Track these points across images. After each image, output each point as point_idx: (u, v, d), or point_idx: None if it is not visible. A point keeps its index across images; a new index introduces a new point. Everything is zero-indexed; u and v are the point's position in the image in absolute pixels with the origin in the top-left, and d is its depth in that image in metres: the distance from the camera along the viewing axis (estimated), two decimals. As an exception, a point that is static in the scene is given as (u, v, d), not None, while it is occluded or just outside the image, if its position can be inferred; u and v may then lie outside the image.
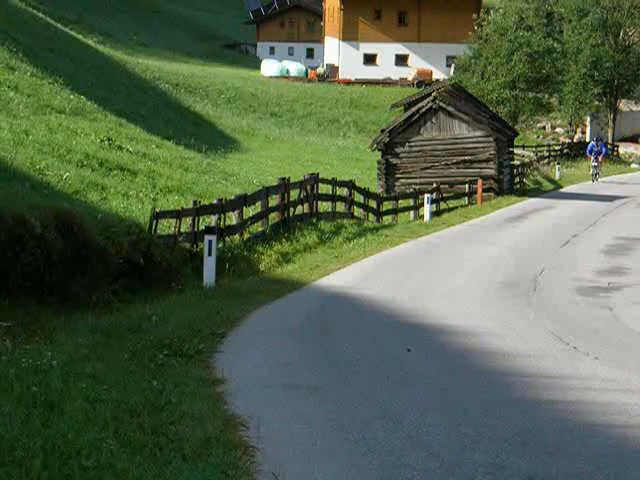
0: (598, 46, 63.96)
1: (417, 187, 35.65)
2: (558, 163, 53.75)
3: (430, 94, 39.60)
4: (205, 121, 59.20)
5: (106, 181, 23.15)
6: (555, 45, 56.54)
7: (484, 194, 37.00)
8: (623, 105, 69.18)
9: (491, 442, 7.76)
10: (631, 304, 15.97)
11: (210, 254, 17.02)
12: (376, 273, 19.02)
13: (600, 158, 48.38)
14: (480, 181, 37.14)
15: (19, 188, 17.01)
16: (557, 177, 51.17)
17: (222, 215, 20.47)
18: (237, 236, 21.17)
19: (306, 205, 25.86)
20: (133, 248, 16.52)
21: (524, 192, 42.11)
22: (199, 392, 8.94)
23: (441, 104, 39.02)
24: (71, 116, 31.61)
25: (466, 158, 39.29)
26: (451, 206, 35.87)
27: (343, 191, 29.45)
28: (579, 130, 72.08)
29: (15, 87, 31.05)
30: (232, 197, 21.89)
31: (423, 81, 73.98)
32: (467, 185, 37.70)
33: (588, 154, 49.43)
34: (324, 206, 28.12)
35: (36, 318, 13.46)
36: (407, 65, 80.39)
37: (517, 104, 53.63)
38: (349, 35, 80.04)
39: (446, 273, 19.06)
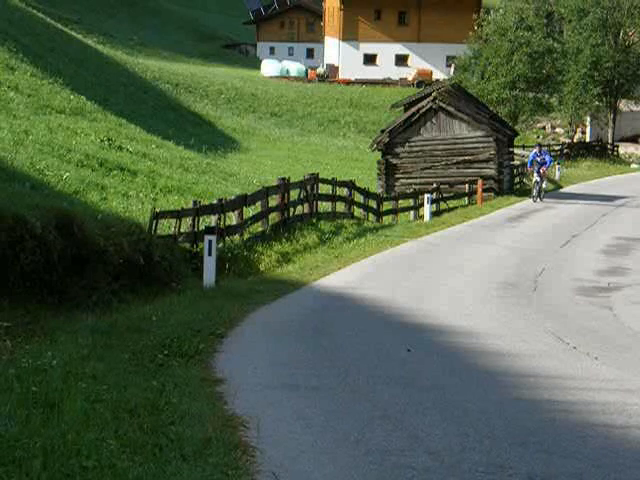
0: (598, 46, 63.98)
1: (417, 187, 35.67)
2: (558, 163, 53.79)
3: (430, 94, 39.62)
4: (205, 121, 59.22)
5: (106, 181, 23.15)
6: (555, 45, 56.59)
7: (484, 194, 37.02)
8: (623, 105, 69.20)
9: (491, 442, 7.76)
10: (631, 304, 15.97)
11: (210, 254, 17.01)
12: (376, 273, 19.01)
13: (543, 170, 37.24)
14: (480, 181, 37.16)
15: (19, 188, 17.00)
16: (557, 177, 51.18)
17: (222, 215, 20.47)
18: (237, 236, 21.17)
19: (306, 205, 25.86)
20: (133, 248, 16.51)
21: (524, 192, 42.09)
22: (199, 392, 8.94)
23: (441, 104, 39.04)
24: (71, 116, 31.62)
25: (466, 158, 39.31)
26: (451, 206, 35.87)
27: (343, 191, 29.45)
28: (579, 130, 72.10)
29: (15, 87, 31.07)
30: (232, 197, 21.89)
31: (423, 81, 73.99)
32: (467, 185, 37.72)
33: (529, 166, 38.45)
34: (324, 206, 28.11)
35: (36, 318, 13.46)
36: (407, 65, 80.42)
37: (517, 104, 53.67)
38: (349, 35, 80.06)
39: (446, 273, 19.06)
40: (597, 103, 65.34)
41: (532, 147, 60.71)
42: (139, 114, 47.51)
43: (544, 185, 37.70)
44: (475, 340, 12.39)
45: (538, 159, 36.86)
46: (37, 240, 14.28)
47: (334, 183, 28.68)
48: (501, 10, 57.60)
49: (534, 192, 37.03)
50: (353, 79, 79.11)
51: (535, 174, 36.89)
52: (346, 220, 27.90)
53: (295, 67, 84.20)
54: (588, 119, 69.42)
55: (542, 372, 10.52)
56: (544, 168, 36.80)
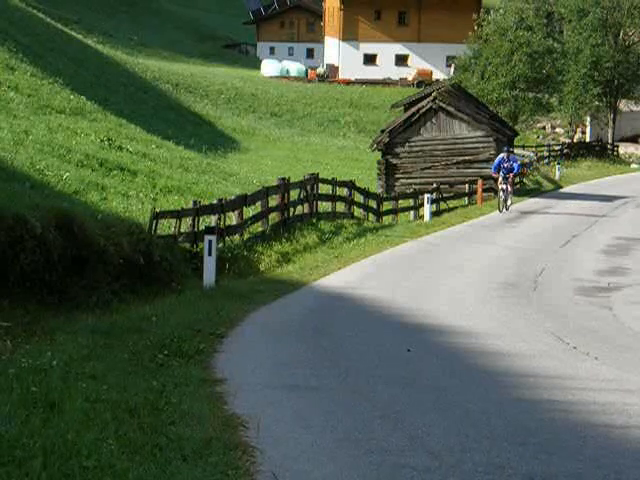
0: (598, 46, 64.01)
1: (417, 187, 35.68)
2: (558, 163, 53.82)
3: (430, 94, 39.65)
4: (205, 121, 59.22)
5: (106, 181, 23.15)
6: (555, 45, 56.59)
7: (484, 194, 37.01)
8: (623, 105, 69.22)
9: (491, 442, 7.75)
10: (631, 304, 15.97)
11: (210, 254, 17.01)
12: (376, 273, 19.01)
13: (511, 177, 33.04)
14: (480, 181, 37.16)
15: (19, 188, 17.00)
16: (557, 177, 51.20)
17: (222, 215, 20.47)
18: (237, 236, 21.18)
19: (306, 205, 25.86)
20: (133, 248, 16.51)
21: (524, 192, 42.11)
22: (199, 392, 8.94)
23: (441, 104, 39.06)
24: (71, 116, 31.63)
25: (466, 158, 39.32)
26: (451, 206, 35.89)
27: (343, 191, 29.46)
28: (579, 130, 72.11)
29: (15, 87, 31.08)
30: (232, 197, 21.90)
31: (423, 81, 74.01)
32: (467, 185, 37.73)
33: (493, 171, 33.44)
34: (324, 206, 28.12)
35: (36, 318, 13.45)
36: (407, 65, 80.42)
37: (517, 104, 53.67)
38: (349, 35, 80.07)
39: (446, 273, 19.06)
40: (597, 103, 65.36)
41: (531, 147, 61.02)
42: (139, 114, 47.51)
43: (510, 195, 33.01)
44: (475, 340, 12.38)
45: (505, 165, 32.62)
46: (37, 240, 14.28)
47: (334, 183, 28.69)
48: (501, 10, 57.58)
49: (500, 201, 32.74)
50: (353, 79, 79.11)
51: (501, 182, 32.60)
52: (346, 220, 27.91)
53: (295, 67, 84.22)
54: (588, 119, 69.43)
55: (542, 372, 10.52)
56: (512, 175, 32.92)
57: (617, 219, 32.09)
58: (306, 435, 7.84)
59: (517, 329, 13.31)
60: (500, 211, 32.35)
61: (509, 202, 32.88)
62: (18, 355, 9.92)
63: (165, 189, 25.34)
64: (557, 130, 72.83)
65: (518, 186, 43.01)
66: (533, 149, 60.03)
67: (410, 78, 77.95)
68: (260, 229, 22.60)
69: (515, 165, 33.03)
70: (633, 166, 64.29)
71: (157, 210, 18.55)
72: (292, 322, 13.52)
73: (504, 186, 32.50)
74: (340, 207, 29.11)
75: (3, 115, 26.22)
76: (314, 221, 25.71)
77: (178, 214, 19.12)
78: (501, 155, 33.36)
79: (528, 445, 7.72)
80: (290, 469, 6.96)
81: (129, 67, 63.18)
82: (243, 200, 21.73)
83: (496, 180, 33.44)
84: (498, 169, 32.73)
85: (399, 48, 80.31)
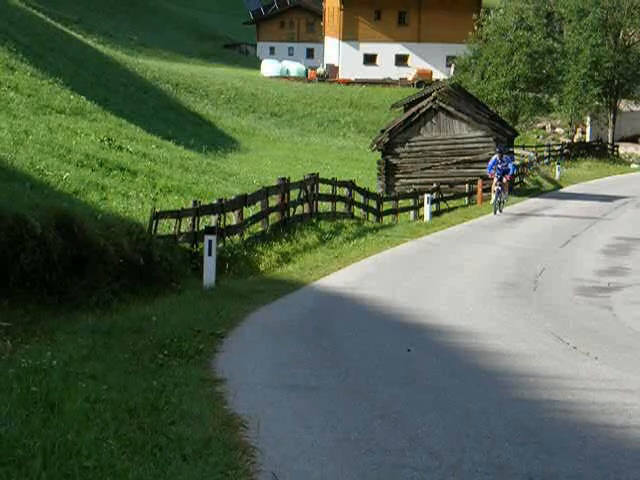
0: (598, 46, 64.03)
1: (417, 187, 35.69)
2: (558, 163, 53.83)
3: (430, 94, 39.67)
4: (205, 121, 59.23)
5: (106, 181, 23.15)
6: (555, 45, 56.62)
7: (484, 194, 37.01)
8: (623, 105, 69.22)
9: (491, 442, 7.75)
10: (631, 304, 15.97)
11: (210, 254, 17.01)
12: (376, 273, 19.01)
13: (506, 179, 32.26)
14: (480, 181, 37.16)
15: (19, 188, 17.00)
16: (557, 177, 51.21)
17: (222, 215, 20.47)
18: (237, 236, 21.18)
19: (306, 205, 25.86)
20: (133, 248, 16.50)
21: (524, 192, 42.12)
22: (199, 392, 8.94)
23: (441, 104, 39.07)
24: (71, 116, 31.64)
25: (466, 158, 39.34)
26: (451, 206, 35.89)
27: (343, 191, 29.46)
28: (579, 130, 72.11)
29: (15, 87, 31.09)
30: (232, 197, 21.90)
31: (423, 81, 74.03)
32: (467, 185, 37.74)
33: (489, 172, 32.50)
34: (324, 206, 28.12)
35: (36, 318, 13.45)
36: (407, 65, 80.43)
37: (517, 104, 53.69)
38: (349, 35, 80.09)
39: (446, 273, 19.06)
40: (597, 103, 65.38)
41: (532, 147, 61.00)
42: (139, 114, 47.53)
43: (505, 196, 32.53)
44: (475, 340, 12.38)
45: (500, 166, 31.85)
46: (37, 240, 14.27)
47: (334, 183, 28.69)
48: (501, 10, 57.63)
49: (494, 203, 32.08)
50: (353, 79, 79.13)
51: (496, 183, 31.79)
52: (346, 220, 27.90)
53: (295, 67, 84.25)
54: (588, 119, 69.43)
55: (542, 372, 10.52)
56: (508, 177, 32.33)
57: (617, 219, 32.09)
58: (306, 435, 7.84)
59: (517, 329, 13.31)
60: (495, 213, 31.85)
61: (503, 204, 32.36)
62: (18, 355, 9.93)
63: (165, 189, 25.34)
64: (557, 130, 72.84)
65: (518, 186, 43.07)
66: (533, 149, 60.02)
67: (410, 78, 77.96)
68: (260, 229, 22.60)
69: (510, 165, 32.52)
70: (633, 166, 64.29)
71: (157, 210, 18.54)
72: (292, 322, 13.51)
73: (499, 188, 31.81)
74: (340, 207, 29.11)
75: (3, 115, 26.23)
76: (314, 221, 25.71)
77: (178, 214, 19.12)
78: (495, 156, 32.70)
79: (528, 445, 7.72)
80: (290, 469, 6.96)
81: (129, 67, 63.20)
82: (243, 200, 21.73)
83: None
84: (493, 170, 32.02)
85: (399, 48, 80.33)
